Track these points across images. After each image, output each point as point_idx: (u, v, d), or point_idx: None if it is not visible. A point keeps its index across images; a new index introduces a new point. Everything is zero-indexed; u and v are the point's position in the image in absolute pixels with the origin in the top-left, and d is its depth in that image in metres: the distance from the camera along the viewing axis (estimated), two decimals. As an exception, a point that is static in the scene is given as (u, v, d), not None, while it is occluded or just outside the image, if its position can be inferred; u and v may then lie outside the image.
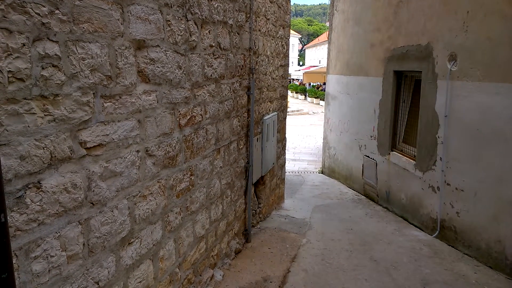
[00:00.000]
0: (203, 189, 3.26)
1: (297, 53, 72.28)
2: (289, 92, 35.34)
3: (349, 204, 6.89)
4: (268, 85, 5.11)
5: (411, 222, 5.77)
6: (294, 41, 71.94)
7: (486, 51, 4.23)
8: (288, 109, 23.20)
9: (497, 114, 4.08)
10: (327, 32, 11.55)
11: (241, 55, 3.96)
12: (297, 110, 23.21)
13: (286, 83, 6.05)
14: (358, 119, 7.83)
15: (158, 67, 2.43)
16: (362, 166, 7.65)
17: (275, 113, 5.53)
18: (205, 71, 3.11)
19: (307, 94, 31.65)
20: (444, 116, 4.89)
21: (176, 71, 2.64)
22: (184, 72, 2.77)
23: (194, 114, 2.98)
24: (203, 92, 3.11)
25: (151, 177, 2.43)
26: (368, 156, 7.40)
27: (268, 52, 4.98)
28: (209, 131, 3.28)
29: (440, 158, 5.04)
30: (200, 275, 3.37)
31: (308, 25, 78.04)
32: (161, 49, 2.45)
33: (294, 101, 30.58)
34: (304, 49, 64.83)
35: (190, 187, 3.01)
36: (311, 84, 33.84)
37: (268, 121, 5.13)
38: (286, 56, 5.87)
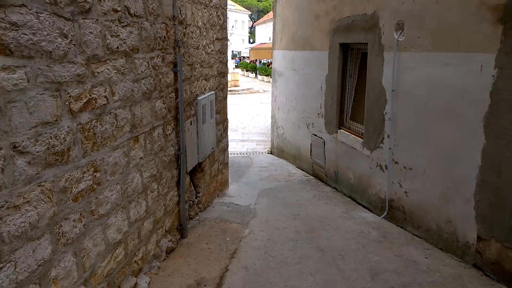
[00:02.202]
0: (116, 186, 2.70)
1: (247, 30, 71.13)
2: (239, 70, 34.70)
3: (297, 186, 6.58)
4: (202, 61, 4.54)
5: (360, 203, 5.55)
6: (244, 18, 70.62)
7: (435, 17, 3.92)
8: (238, 88, 22.70)
9: (447, 87, 3.81)
10: (273, 5, 11.01)
11: (162, 25, 3.35)
12: (248, 89, 22.70)
13: (225, 59, 5.50)
14: (305, 96, 7.47)
15: (26, 34, 1.81)
16: (310, 146, 7.35)
17: (213, 92, 4.99)
18: (108, 41, 2.50)
19: (257, 72, 31.13)
20: (391, 91, 4.60)
21: (58, 41, 2.02)
22: (73, 43, 2.15)
23: (94, 95, 2.38)
24: (107, 69, 2.51)
25: (26, 181, 1.84)
26: (315, 135, 7.10)
27: (200, 23, 4.38)
28: (119, 116, 2.70)
29: (388, 136, 4.78)
30: (119, 287, 2.84)
31: (258, 1, 76.78)
32: (30, 9, 1.82)
33: (245, 79, 30.00)
34: (254, 26, 63.88)
35: (95, 186, 2.44)
36: (262, 61, 33.30)
37: (204, 101, 4.58)
38: (223, 28, 5.29)
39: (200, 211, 4.86)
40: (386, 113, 4.78)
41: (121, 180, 2.77)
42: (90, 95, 2.33)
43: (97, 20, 2.36)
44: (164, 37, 3.39)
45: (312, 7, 6.89)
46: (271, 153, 9.75)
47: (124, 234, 2.86)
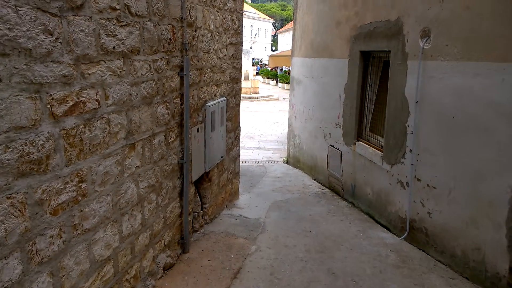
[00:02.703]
0: (106, 197, 2.48)
1: (270, 38, 71.27)
2: (260, 77, 34.58)
3: (311, 199, 6.26)
4: (213, 66, 4.32)
5: (378, 221, 5.18)
6: (268, 26, 70.87)
7: (464, 24, 3.59)
8: (258, 95, 22.51)
9: (476, 99, 3.46)
10: (294, 12, 10.77)
11: (169, 26, 3.15)
12: (267, 96, 22.48)
13: (239, 65, 5.27)
14: (323, 105, 7.16)
15: (0, 29, 1.61)
16: (327, 157, 7.03)
17: (224, 98, 4.76)
18: (103, 41, 2.30)
19: (278, 79, 30.91)
20: (414, 102, 4.26)
21: (40, 38, 1.82)
22: (60, 41, 1.95)
23: (83, 99, 2.17)
24: (101, 70, 2.30)
25: (-9, 193, 1.63)
26: (333, 146, 6.77)
27: (212, 26, 4.17)
28: (113, 121, 2.48)
29: (410, 150, 4.43)
30: (107, 308, 2.61)
31: (282, 10, 76.94)
32: (7, 2, 1.63)
33: (265, 87, 29.82)
34: (277, 35, 63.92)
35: (80, 198, 2.22)
36: (283, 69, 33.08)
37: (213, 107, 4.35)
38: (238, 33, 5.07)
39: (205, 223, 4.61)
40: (408, 126, 4.44)
41: (112, 191, 2.55)
42: (78, 98, 2.12)
43: (90, 17, 2.16)
44: (170, 39, 3.18)
45: (333, 13, 6.62)
46: (287, 163, 9.46)
47: (114, 250, 2.63)
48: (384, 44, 4.99)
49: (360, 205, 5.80)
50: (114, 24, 2.39)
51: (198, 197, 4.42)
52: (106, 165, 2.44)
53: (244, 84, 22.12)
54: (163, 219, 3.37)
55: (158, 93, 3.07)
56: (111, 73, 2.41)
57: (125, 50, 2.54)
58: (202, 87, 4.04)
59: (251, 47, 51.72)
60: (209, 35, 4.10)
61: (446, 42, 3.84)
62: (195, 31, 3.71)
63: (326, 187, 7.14)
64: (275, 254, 3.97)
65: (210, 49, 4.17)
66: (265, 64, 41.56)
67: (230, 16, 4.71)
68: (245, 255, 3.92)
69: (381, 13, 5.01)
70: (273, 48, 66.90)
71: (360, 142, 5.83)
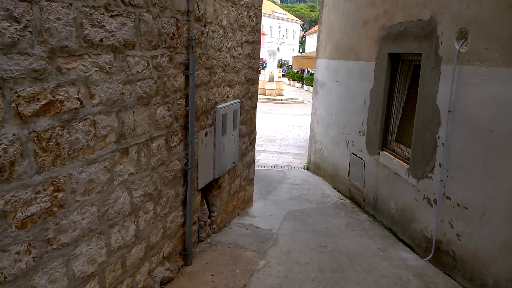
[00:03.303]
0: (90, 208, 2.22)
1: (298, 40, 70.76)
2: (285, 79, 34.16)
3: (330, 210, 5.87)
4: (225, 65, 4.03)
5: (400, 238, 4.75)
6: (296, 27, 70.40)
7: (507, 25, 3.14)
8: (282, 97, 22.14)
9: (520, 111, 3.02)
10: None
11: (172, 19, 2.87)
12: (292, 99, 22.06)
13: (256, 65, 4.96)
14: (346, 110, 6.75)
15: None
16: (349, 166, 6.61)
17: (238, 100, 4.45)
18: (87, 32, 2.04)
19: (304, 81, 30.41)
20: (447, 111, 3.82)
21: (3, 25, 1.57)
22: (29, 29, 1.69)
23: (60, 97, 1.91)
24: (84, 65, 2.04)
25: None
26: (355, 155, 6.36)
27: (225, 22, 3.88)
28: (100, 123, 2.22)
29: (440, 164, 3.99)
30: (88, 330, 2.35)
31: (311, 11, 76.16)
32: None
33: (291, 89, 29.38)
34: (305, 36, 63.32)
35: (55, 209, 1.96)
36: (309, 71, 32.53)
37: (225, 110, 4.06)
38: (255, 30, 4.76)
39: (213, 232, 4.32)
40: (439, 138, 4.00)
41: (99, 200, 2.28)
42: (53, 97, 1.86)
43: (70, 4, 1.90)
44: (173, 33, 2.90)
45: (360, 12, 6.21)
46: (307, 169, 9.07)
47: (99, 265, 2.36)
48: (415, 46, 4.56)
49: (382, 220, 5.37)
50: (101, 14, 2.13)
51: (205, 205, 4.13)
52: (90, 172, 2.18)
53: (268, 85, 21.83)
54: (162, 229, 3.10)
55: (158, 93, 2.80)
56: (98, 69, 2.15)
57: (116, 43, 2.28)
58: (212, 88, 3.75)
59: (278, 48, 51.34)
60: (221, 31, 3.81)
61: (485, 45, 3.40)
62: (205, 26, 3.43)
63: (346, 197, 6.72)
64: (285, 272, 3.63)
65: (222, 46, 3.88)
66: (291, 66, 41.10)
67: (246, 12, 4.41)
68: (252, 270, 3.60)
69: (413, 11, 4.59)
70: (301, 50, 66.34)
71: (384, 152, 5.40)
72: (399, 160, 4.96)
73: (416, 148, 4.46)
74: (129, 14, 2.36)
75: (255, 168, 8.88)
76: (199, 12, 3.28)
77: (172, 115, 3.04)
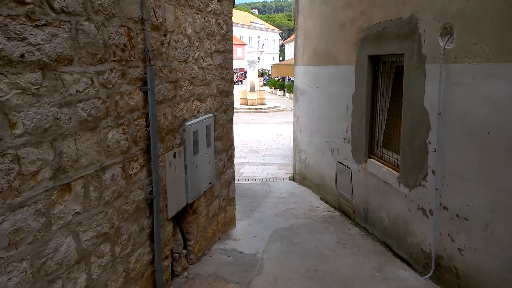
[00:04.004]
0: (19, 264, 1.78)
1: (278, 48, 71.15)
2: (267, 88, 33.98)
3: (318, 225, 5.49)
4: (193, 77, 3.64)
5: (396, 252, 4.40)
6: (275, 36, 70.84)
7: (499, 16, 2.85)
8: (264, 106, 21.85)
9: (520, 110, 2.71)
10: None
11: (122, 29, 2.48)
12: (274, 107, 21.79)
13: (229, 75, 4.59)
14: (329, 117, 6.43)
15: None
16: (336, 175, 6.27)
17: (211, 115, 4.07)
18: (0, 47, 1.63)
19: (286, 89, 30.23)
20: (437, 114, 3.51)
21: None
22: None
23: (-36, 130, 1.49)
24: (-1, 88, 1.63)
25: None
26: (341, 163, 6.02)
27: (189, 31, 3.50)
28: (26, 158, 1.80)
29: (433, 172, 3.67)
30: None
31: (289, 20, 76.79)
32: None
33: (273, 97, 29.16)
34: (284, 45, 63.67)
35: (-35, 273, 1.53)
36: (290, 78, 32.40)
37: (196, 127, 3.67)
38: (226, 39, 4.40)
39: (191, 264, 3.89)
40: (429, 143, 3.68)
41: (31, 252, 1.85)
42: (-48, 131, 1.45)
43: (-30, 12, 1.50)
44: (125, 45, 2.51)
45: (336, 15, 5.93)
46: (293, 179, 8.71)
47: (39, 331, 1.92)
48: (396, 46, 4.27)
49: (374, 232, 5.02)
50: (22, 24, 1.72)
51: (179, 234, 3.71)
52: (16, 219, 1.76)
53: (250, 95, 21.55)
54: (124, 273, 2.66)
55: (109, 114, 2.40)
56: (19, 91, 1.73)
57: (45, 59, 1.87)
58: (178, 104, 3.36)
59: (258, 58, 51.36)
60: (186, 41, 3.43)
61: (474, 40, 3.11)
62: (165, 35, 3.04)
63: (335, 208, 6.37)
64: (271, 306, 3.23)
65: (188, 57, 3.49)
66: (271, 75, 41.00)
67: (214, 20, 4.05)
68: (234, 308, 3.18)
69: (391, 10, 4.30)
70: (281, 58, 66.69)
71: (372, 159, 5.07)
72: (388, 168, 4.63)
73: (405, 154, 4.14)
74: (62, 23, 1.96)
75: (238, 182, 8.49)
76: (157, 20, 2.90)
77: (129, 138, 2.63)
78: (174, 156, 3.33)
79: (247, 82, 22.39)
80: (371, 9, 4.81)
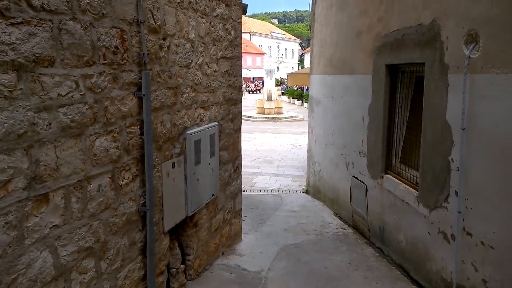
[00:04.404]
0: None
1: (297, 58, 71.07)
2: (285, 97, 33.77)
3: (329, 244, 5.19)
4: (196, 84, 3.46)
5: (414, 278, 4.07)
6: (294, 46, 70.86)
7: (532, 21, 2.57)
8: (281, 115, 21.63)
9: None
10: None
11: (114, 30, 2.31)
12: (291, 117, 21.54)
13: (238, 83, 4.40)
14: (344, 129, 6.16)
15: None
16: (350, 190, 5.97)
17: (215, 123, 3.87)
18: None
19: (303, 99, 29.98)
20: (460, 129, 3.21)
21: None
22: None
23: None
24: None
25: None
26: (356, 178, 5.72)
27: (193, 35, 3.33)
28: (-6, 166, 1.63)
29: (456, 192, 3.35)
30: None
31: (308, 30, 76.80)
32: None
33: (290, 107, 28.92)
34: (304, 54, 63.58)
35: None
36: (308, 88, 32.16)
37: (198, 135, 3.47)
38: (234, 45, 4.22)
39: (190, 279, 3.68)
40: (452, 160, 3.38)
41: (0, 268, 1.67)
42: None
43: None
44: (117, 47, 2.34)
45: (352, 23, 5.69)
46: (306, 192, 8.41)
47: None
48: (416, 54, 3.99)
49: (390, 254, 4.69)
50: (-9, 19, 1.57)
51: (177, 248, 3.50)
52: (-23, 234, 1.58)
53: (267, 104, 21.37)
54: (110, 291, 2.46)
55: (97, 120, 2.22)
56: (-12, 93, 1.57)
57: (21, 59, 1.71)
58: (179, 111, 3.18)
59: (277, 67, 51.33)
60: (189, 45, 3.25)
61: (503, 47, 2.82)
62: (164, 39, 2.87)
63: (349, 225, 6.05)
64: (271, 333, 2.97)
65: (190, 63, 3.32)
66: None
67: (222, 25, 3.87)
68: (231, 333, 2.94)
69: (411, 16, 4.04)
70: (300, 68, 66.53)
71: (388, 175, 4.76)
72: (406, 186, 4.32)
73: (425, 172, 3.84)
74: (42, 21, 1.80)
75: (250, 193, 8.27)
76: (155, 22, 2.73)
77: (120, 146, 2.45)
78: (173, 166, 3.14)
79: (264, 91, 22.24)
80: (389, 15, 4.56)
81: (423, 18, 3.82)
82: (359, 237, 5.51)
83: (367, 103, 5.21)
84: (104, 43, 2.23)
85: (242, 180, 9.30)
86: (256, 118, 20.83)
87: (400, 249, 4.44)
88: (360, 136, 5.50)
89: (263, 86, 23.96)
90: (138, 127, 2.62)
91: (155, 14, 2.71)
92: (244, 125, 19.63)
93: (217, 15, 3.77)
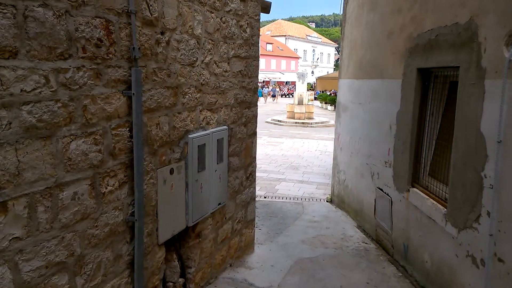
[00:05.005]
0: None
1: (333, 62, 69.97)
2: (318, 102, 33.14)
3: (349, 259, 4.80)
4: (202, 84, 3.21)
5: (438, 305, 3.63)
6: (331, 50, 69.82)
7: None
8: (312, 121, 21.15)
9: None
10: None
11: (97, 20, 2.10)
12: (322, 122, 21.00)
13: (253, 84, 4.11)
14: (370, 137, 5.74)
15: None
16: (374, 202, 5.54)
17: (224, 127, 3.61)
18: None
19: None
20: (496, 142, 2.78)
21: None
22: None
23: None
24: None
25: None
26: (381, 190, 5.29)
27: (199, 31, 3.09)
28: None
29: (488, 213, 2.92)
30: None
31: (346, 34, 75.43)
32: None
33: (322, 112, 28.31)
34: (339, 58, 62.46)
35: None
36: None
37: (203, 140, 3.22)
38: (249, 44, 3.94)
39: (190, 294, 3.42)
40: (485, 176, 2.94)
41: None
42: None
43: None
44: (100, 39, 2.13)
45: (384, 22, 5.28)
46: (330, 201, 8.01)
47: None
48: (450, 57, 3.57)
49: (414, 274, 4.25)
50: None
51: (176, 260, 3.25)
52: None
53: (297, 109, 20.97)
54: (86, 308, 2.24)
55: (73, 120, 2.01)
56: None
57: (-28, 49, 1.51)
58: (179, 113, 2.94)
59: (312, 72, 50.74)
60: (193, 42, 3.01)
61: (552, 47, 2.39)
62: (162, 33, 2.64)
63: (372, 239, 5.63)
64: None
65: (195, 61, 3.07)
66: (323, 91, 40.06)
67: (235, 21, 3.61)
68: None
69: (446, 15, 3.62)
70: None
71: (415, 189, 4.33)
72: (434, 201, 3.89)
73: (455, 188, 3.40)
74: (2, 7, 1.60)
75: (271, 200, 7.96)
76: (151, 14, 2.50)
77: (103, 150, 2.23)
78: (171, 172, 2.90)
79: (295, 95, 21.85)
80: (423, 13, 4.14)
81: (460, 16, 3.40)
82: (382, 253, 5.08)
83: (395, 109, 4.79)
84: (84, 34, 2.02)
85: (264, 186, 9.08)
86: (286, 122, 20.47)
87: (424, 269, 4.00)
88: (386, 145, 5.07)
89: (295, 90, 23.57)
90: (127, 129, 2.40)
91: (151, 5, 2.49)
92: (273, 130, 19.41)
93: (230, 10, 3.51)
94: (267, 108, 31.24)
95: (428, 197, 4.02)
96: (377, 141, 5.44)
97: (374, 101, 5.62)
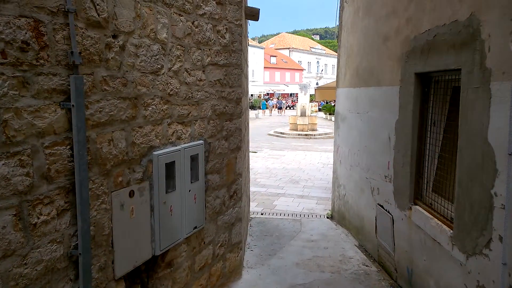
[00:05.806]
0: None
1: (338, 73, 69.75)
2: (322, 113, 32.78)
3: (346, 285, 4.36)
4: (169, 94, 2.85)
5: None
6: (335, 61, 69.61)
7: None
8: (315, 132, 20.75)
9: None
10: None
11: (22, 20, 1.76)
12: (325, 134, 20.57)
13: (235, 95, 3.75)
14: (369, 149, 5.34)
15: None
16: (375, 219, 5.11)
17: (199, 142, 3.24)
18: None
19: (341, 115, 28.89)
20: (507, 154, 2.38)
21: None
22: None
23: None
24: None
25: None
26: (381, 206, 4.87)
27: (164, 35, 2.74)
28: None
29: (500, 238, 2.50)
30: None
31: (350, 45, 75.56)
32: None
33: (326, 123, 27.93)
34: (344, 69, 62.35)
35: None
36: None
37: (171, 157, 2.85)
38: (230, 51, 3.60)
39: (161, 333, 3.01)
40: (495, 195, 2.53)
41: None
42: None
43: None
44: (27, 42, 1.78)
45: (379, 27, 4.93)
46: (331, 217, 7.57)
47: None
48: (450, 59, 3.19)
49: (419, 303, 3.81)
50: None
51: (142, 294, 2.86)
52: None
53: (300, 120, 20.62)
54: None
55: (-13, 139, 1.65)
56: None
57: None
58: (140, 127, 2.58)
59: (317, 83, 50.50)
60: (157, 47, 2.67)
61: None
62: (115, 36, 2.30)
63: (374, 260, 5.18)
64: None
65: (160, 68, 2.72)
66: (327, 100, 39.69)
67: (210, 25, 3.27)
68: None
69: (444, 12, 3.25)
70: (340, 84, 65.38)
71: (418, 207, 3.91)
72: (439, 222, 3.46)
73: (461, 207, 2.99)
74: None
75: (268, 217, 7.52)
76: (98, 14, 2.16)
77: (33, 173, 1.87)
78: (131, 195, 2.53)
79: (297, 107, 21.52)
80: (419, 13, 3.78)
81: (459, 13, 3.03)
82: (384, 277, 4.63)
83: (394, 119, 4.40)
84: (3, 36, 1.68)
85: (262, 202, 8.65)
86: (289, 134, 20.10)
87: (431, 300, 3.55)
88: (386, 157, 4.67)
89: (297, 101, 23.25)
90: (68, 147, 2.04)
91: (98, 4, 2.15)
92: (275, 142, 19.03)
93: (204, 13, 3.17)
94: (272, 120, 30.95)
95: (432, 217, 3.60)
96: (376, 153, 5.04)
97: (371, 110, 5.24)
